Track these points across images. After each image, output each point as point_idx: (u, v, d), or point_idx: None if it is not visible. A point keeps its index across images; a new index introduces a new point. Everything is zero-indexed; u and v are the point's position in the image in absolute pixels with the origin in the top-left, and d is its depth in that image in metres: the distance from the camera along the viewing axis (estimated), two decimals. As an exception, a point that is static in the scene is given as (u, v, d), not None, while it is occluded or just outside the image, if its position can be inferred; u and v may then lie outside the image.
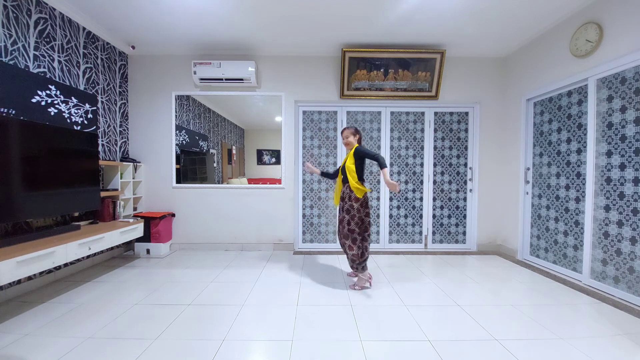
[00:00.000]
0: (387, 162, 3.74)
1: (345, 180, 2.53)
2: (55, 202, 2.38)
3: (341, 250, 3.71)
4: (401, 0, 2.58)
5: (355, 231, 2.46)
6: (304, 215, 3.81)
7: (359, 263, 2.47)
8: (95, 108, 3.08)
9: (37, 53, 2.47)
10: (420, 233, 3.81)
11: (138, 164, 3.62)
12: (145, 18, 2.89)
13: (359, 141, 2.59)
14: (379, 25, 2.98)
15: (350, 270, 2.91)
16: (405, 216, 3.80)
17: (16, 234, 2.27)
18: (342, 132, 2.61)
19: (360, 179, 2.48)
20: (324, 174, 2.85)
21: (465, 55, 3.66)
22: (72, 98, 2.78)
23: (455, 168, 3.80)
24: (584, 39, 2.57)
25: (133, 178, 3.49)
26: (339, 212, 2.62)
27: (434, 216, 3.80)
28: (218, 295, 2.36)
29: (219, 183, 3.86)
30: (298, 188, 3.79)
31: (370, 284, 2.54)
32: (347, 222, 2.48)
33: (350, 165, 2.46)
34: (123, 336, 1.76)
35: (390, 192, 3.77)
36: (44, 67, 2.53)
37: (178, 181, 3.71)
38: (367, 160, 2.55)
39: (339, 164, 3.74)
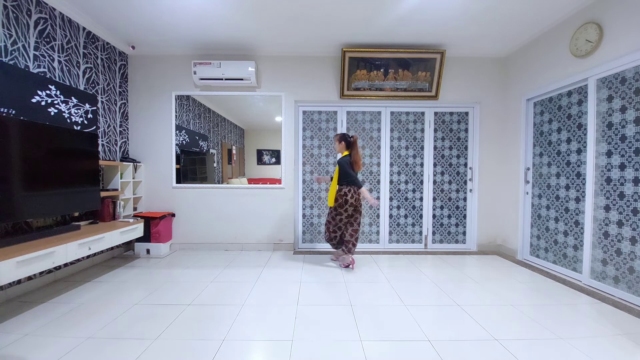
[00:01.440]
0: (387, 163, 3.75)
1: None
2: (55, 202, 2.38)
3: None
4: (401, 0, 2.58)
5: (331, 222, 3.01)
6: (304, 215, 3.81)
7: (349, 248, 2.99)
8: (95, 108, 3.08)
9: (37, 53, 2.47)
10: (420, 233, 3.81)
11: (138, 164, 3.62)
12: (145, 18, 2.89)
13: (349, 145, 2.97)
14: (379, 25, 2.98)
15: (334, 252, 3.38)
16: (405, 216, 3.80)
17: (16, 234, 2.27)
18: None
19: (342, 182, 2.91)
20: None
21: (465, 55, 3.66)
22: (72, 98, 2.78)
23: (455, 168, 3.80)
24: (584, 39, 2.57)
25: (133, 178, 3.49)
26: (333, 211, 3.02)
27: (434, 216, 3.80)
28: (218, 295, 2.36)
29: (219, 183, 3.87)
30: (298, 188, 3.79)
31: (352, 267, 2.99)
32: (331, 216, 3.02)
33: (336, 172, 2.96)
34: (123, 336, 1.76)
35: (390, 192, 3.78)
36: (44, 67, 2.53)
37: (178, 181, 3.71)
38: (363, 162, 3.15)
39: (339, 164, 3.76)
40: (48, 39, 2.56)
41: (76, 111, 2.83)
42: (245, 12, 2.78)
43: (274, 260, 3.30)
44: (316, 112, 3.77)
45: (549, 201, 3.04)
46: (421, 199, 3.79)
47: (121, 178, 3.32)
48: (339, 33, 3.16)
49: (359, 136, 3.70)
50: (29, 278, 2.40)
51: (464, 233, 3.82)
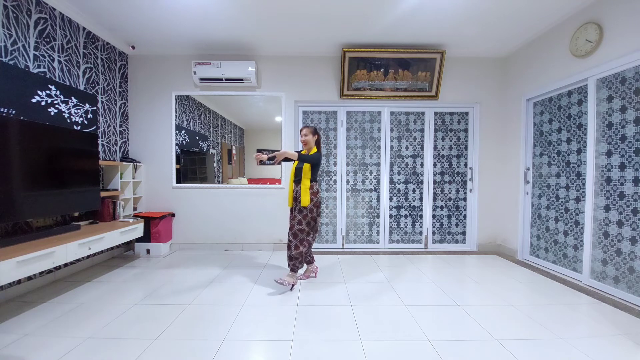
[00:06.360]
0: (387, 163, 3.75)
1: (298, 181, 2.55)
2: (55, 202, 2.38)
3: (341, 249, 3.73)
4: (401, 0, 2.58)
5: (305, 231, 2.51)
6: (304, 215, 3.80)
7: (296, 263, 2.50)
8: (95, 108, 3.08)
9: (37, 53, 2.46)
10: (420, 233, 3.81)
11: (138, 164, 3.62)
12: (145, 18, 2.89)
13: (317, 142, 2.63)
14: (379, 25, 2.98)
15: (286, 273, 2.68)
16: (405, 216, 3.80)
17: (16, 234, 2.27)
18: (300, 130, 2.63)
19: (314, 180, 2.54)
20: (272, 158, 2.46)
21: (465, 55, 3.66)
22: (72, 98, 2.78)
23: (455, 168, 3.80)
24: (584, 39, 2.57)
25: (133, 178, 3.49)
26: (291, 212, 2.60)
27: (434, 216, 3.80)
28: (218, 295, 2.36)
29: (219, 183, 3.87)
30: (298, 188, 3.78)
31: (292, 289, 2.46)
32: (298, 221, 2.49)
33: (306, 167, 2.48)
34: (123, 336, 1.76)
35: (390, 192, 3.77)
36: (44, 67, 2.53)
37: (178, 181, 3.71)
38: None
39: (339, 164, 3.75)
40: (48, 39, 2.56)
41: (76, 111, 2.83)
42: (245, 12, 2.79)
43: (274, 260, 3.30)
44: (316, 112, 3.77)
45: (549, 201, 3.04)
46: (421, 199, 3.79)
47: (121, 178, 3.32)
48: (339, 33, 3.16)
49: (358, 136, 3.73)
50: (29, 278, 2.40)
51: (464, 233, 3.82)
